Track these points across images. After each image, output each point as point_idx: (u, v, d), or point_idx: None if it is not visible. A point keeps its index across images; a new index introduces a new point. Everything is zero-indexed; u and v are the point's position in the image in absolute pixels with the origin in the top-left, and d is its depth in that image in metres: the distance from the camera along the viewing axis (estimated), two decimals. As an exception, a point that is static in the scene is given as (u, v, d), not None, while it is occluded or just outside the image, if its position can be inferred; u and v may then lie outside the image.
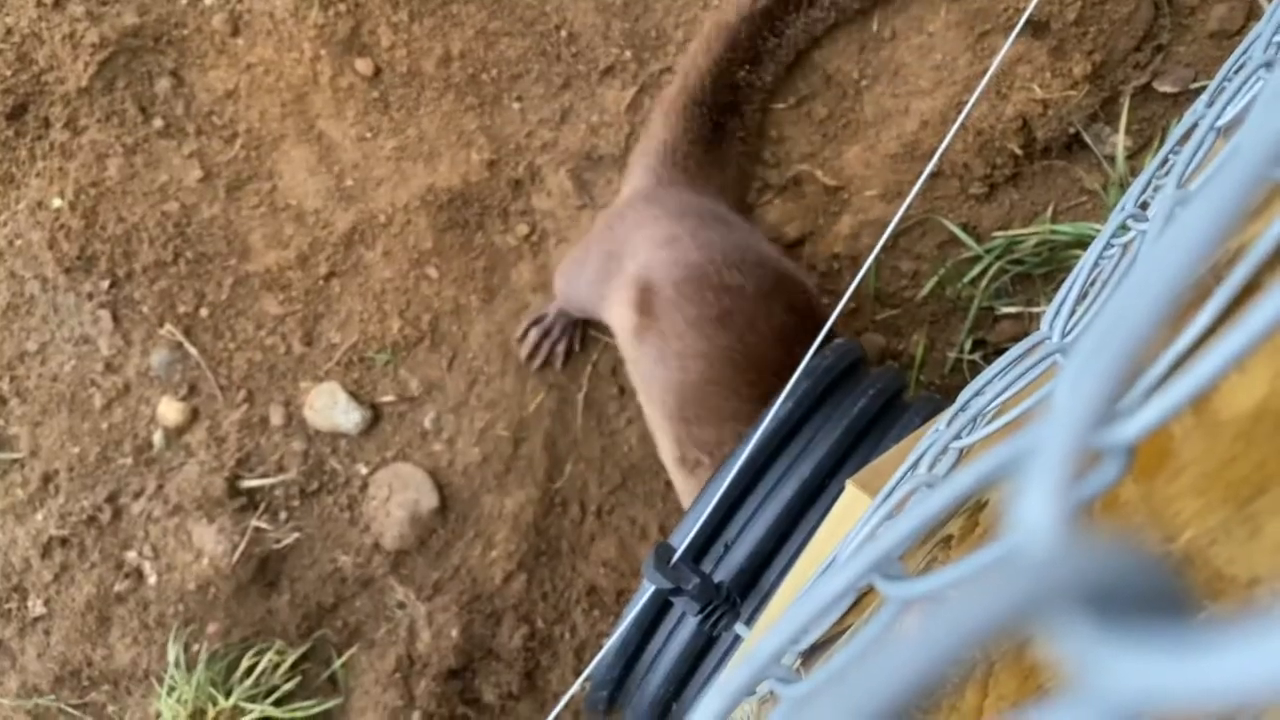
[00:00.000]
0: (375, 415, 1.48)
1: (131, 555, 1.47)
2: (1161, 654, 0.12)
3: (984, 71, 1.39)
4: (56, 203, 1.47)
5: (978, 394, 0.57)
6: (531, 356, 1.47)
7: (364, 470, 1.48)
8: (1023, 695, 0.37)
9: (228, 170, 1.49)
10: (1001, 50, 1.01)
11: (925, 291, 1.43)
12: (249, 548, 1.44)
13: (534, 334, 1.46)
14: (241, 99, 1.49)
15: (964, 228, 1.42)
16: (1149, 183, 0.62)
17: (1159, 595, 0.14)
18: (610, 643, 1.05)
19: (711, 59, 1.41)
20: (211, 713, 1.39)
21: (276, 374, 1.48)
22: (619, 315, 1.29)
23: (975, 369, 1.42)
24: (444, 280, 1.48)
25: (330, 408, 1.47)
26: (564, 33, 1.49)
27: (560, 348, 1.47)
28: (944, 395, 1.37)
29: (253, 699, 1.41)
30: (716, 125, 1.43)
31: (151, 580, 1.46)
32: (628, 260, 1.29)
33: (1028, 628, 0.14)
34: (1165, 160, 0.64)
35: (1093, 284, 0.59)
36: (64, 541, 1.47)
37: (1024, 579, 0.14)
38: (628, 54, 1.49)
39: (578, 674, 1.47)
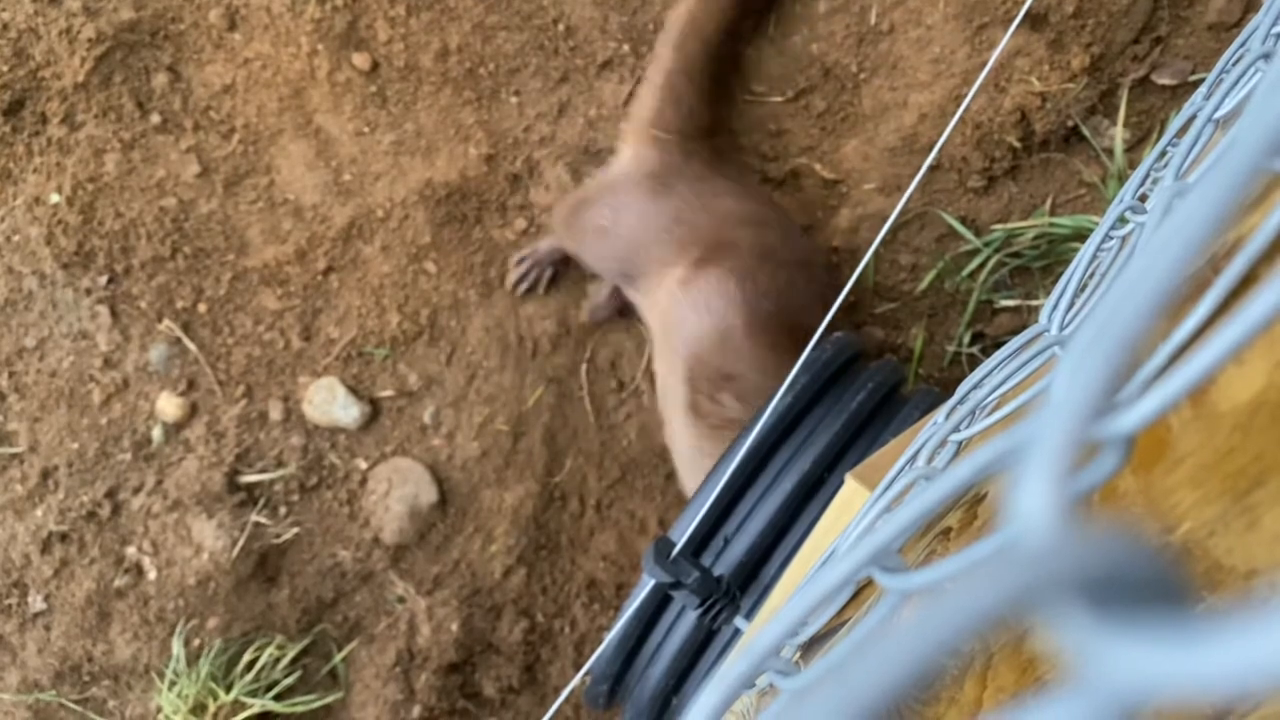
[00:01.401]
0: (374, 410, 1.48)
1: (131, 550, 1.47)
2: (1161, 644, 0.12)
3: (982, 64, 1.39)
4: (54, 198, 1.47)
5: (976, 386, 0.57)
6: (520, 282, 1.48)
7: (363, 465, 1.48)
8: (1021, 687, 0.37)
9: (225, 165, 1.49)
10: (1000, 43, 1.01)
11: (924, 285, 1.43)
12: (248, 543, 1.45)
13: (526, 263, 1.47)
14: (239, 94, 1.49)
15: (962, 221, 1.42)
16: (1147, 175, 0.62)
17: (1158, 586, 0.14)
18: (610, 636, 1.05)
19: (722, 9, 1.40)
20: (212, 707, 1.39)
21: (275, 369, 1.48)
22: (669, 275, 1.32)
23: (974, 362, 1.42)
24: (442, 275, 1.48)
25: (329, 403, 1.47)
26: (561, 26, 1.49)
27: (546, 274, 1.48)
28: (943, 388, 1.37)
29: (253, 694, 1.41)
30: (722, 81, 1.43)
31: (151, 575, 1.46)
32: (704, 229, 1.31)
33: (1026, 618, 0.14)
34: (1163, 152, 0.64)
35: (1091, 276, 0.59)
36: (64, 537, 1.47)
37: (1022, 569, 0.14)
38: (625, 48, 1.48)
39: (578, 668, 1.47)
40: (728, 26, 1.40)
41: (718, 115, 1.43)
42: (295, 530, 1.46)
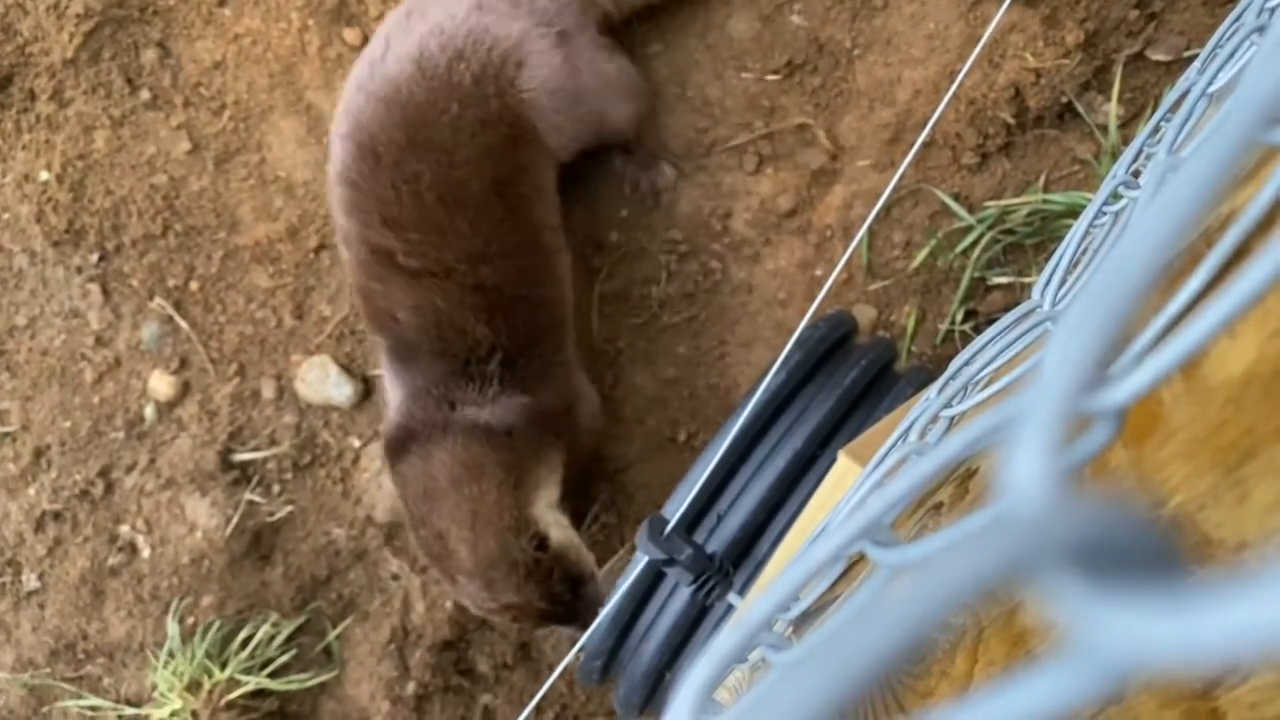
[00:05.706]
0: (367, 388, 1.48)
1: (125, 529, 1.47)
2: (1153, 613, 0.13)
3: (976, 40, 1.38)
4: (44, 176, 1.46)
5: (968, 363, 0.57)
6: None
7: (356, 443, 1.48)
8: (1012, 660, 0.38)
9: (216, 142, 1.48)
10: (994, 18, 1.00)
11: (917, 262, 1.43)
12: (242, 521, 1.45)
13: None
14: (229, 70, 1.48)
15: (956, 198, 1.42)
16: (1140, 151, 0.62)
17: (1150, 554, 0.14)
18: (604, 613, 1.05)
19: None
20: (207, 685, 1.40)
21: (267, 347, 1.48)
22: None
23: (967, 339, 1.42)
24: (435, 252, 1.48)
25: (322, 381, 1.46)
26: (554, 2, 1.48)
27: None
28: (935, 366, 1.37)
29: (248, 671, 1.41)
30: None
31: (145, 554, 1.46)
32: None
33: (1018, 589, 0.14)
34: (1157, 128, 0.63)
35: (1084, 253, 0.59)
36: (57, 515, 1.47)
37: (1015, 539, 0.14)
38: (618, 23, 1.47)
39: (572, 643, 1.48)
40: None
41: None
42: (289, 508, 1.47)
